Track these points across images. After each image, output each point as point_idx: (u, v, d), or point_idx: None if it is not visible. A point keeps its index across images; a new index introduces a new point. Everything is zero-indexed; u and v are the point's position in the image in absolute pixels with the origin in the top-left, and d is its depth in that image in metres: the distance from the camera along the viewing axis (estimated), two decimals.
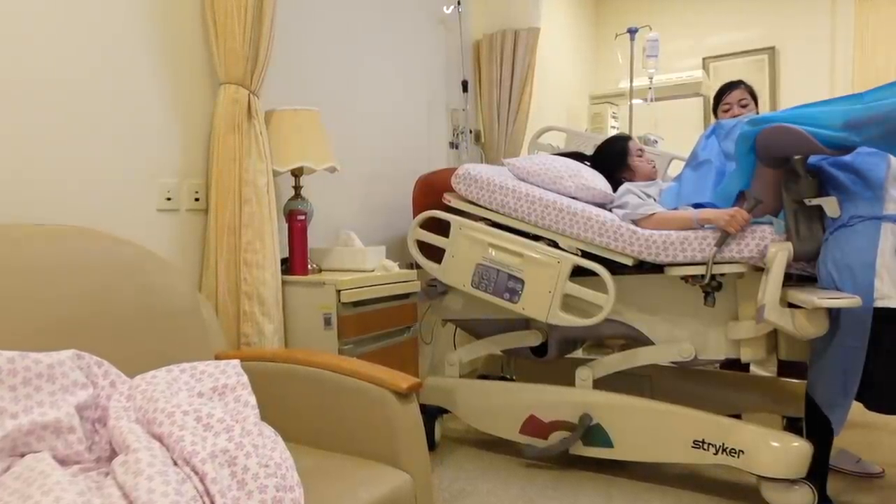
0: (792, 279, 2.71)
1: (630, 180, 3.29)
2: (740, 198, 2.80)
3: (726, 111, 3.41)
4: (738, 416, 2.99)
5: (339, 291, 2.68)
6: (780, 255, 2.52)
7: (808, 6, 6.02)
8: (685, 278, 2.84)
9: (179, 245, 2.70)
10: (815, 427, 2.61)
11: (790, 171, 2.58)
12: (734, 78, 3.57)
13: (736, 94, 3.40)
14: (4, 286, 1.82)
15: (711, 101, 3.58)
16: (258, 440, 1.65)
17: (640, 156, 3.39)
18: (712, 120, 3.56)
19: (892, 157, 2.53)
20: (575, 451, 3.05)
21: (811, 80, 5.96)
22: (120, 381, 1.83)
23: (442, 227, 3.20)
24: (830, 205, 2.50)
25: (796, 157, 2.53)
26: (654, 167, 3.40)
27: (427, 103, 4.39)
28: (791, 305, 2.50)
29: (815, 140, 2.38)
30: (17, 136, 2.18)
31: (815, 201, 2.53)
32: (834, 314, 2.45)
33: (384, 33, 3.97)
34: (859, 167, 2.56)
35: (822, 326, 2.45)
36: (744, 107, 3.38)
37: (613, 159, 3.39)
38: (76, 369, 1.72)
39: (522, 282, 2.99)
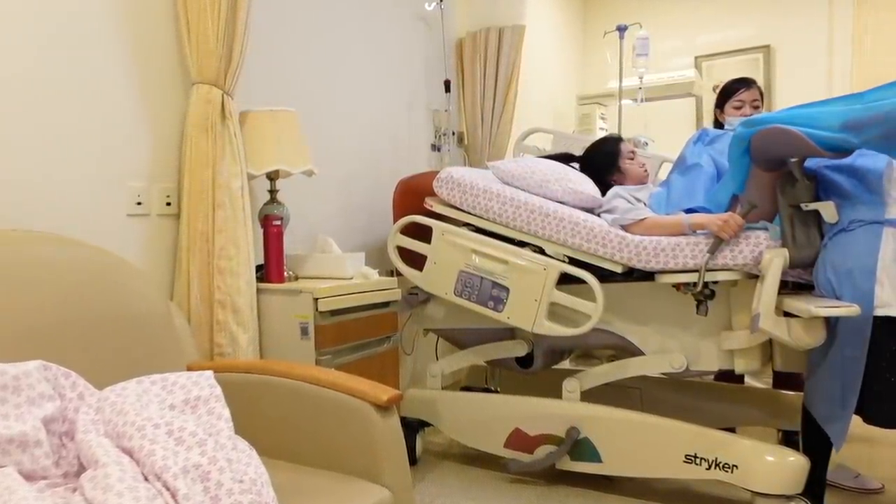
0: (788, 287, 2.73)
1: (620, 184, 3.30)
2: (734, 202, 2.82)
3: (738, 108, 3.40)
4: (731, 430, 3.01)
5: (316, 300, 2.69)
6: (775, 261, 2.53)
7: (804, 2, 6.05)
8: (677, 286, 2.87)
9: (150, 251, 2.71)
10: (813, 441, 2.64)
11: (786, 175, 2.59)
12: (727, 78, 3.59)
13: (750, 94, 3.39)
14: None
15: (716, 95, 3.57)
16: (232, 455, 1.66)
17: (632, 158, 3.39)
18: (712, 115, 3.57)
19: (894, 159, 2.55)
20: (562, 465, 3.07)
21: (808, 79, 5.96)
22: (88, 392, 1.83)
23: (423, 233, 3.22)
24: (828, 210, 2.51)
25: (792, 159, 2.54)
26: (645, 170, 3.42)
27: (408, 104, 4.41)
28: (787, 314, 2.52)
29: (811, 142, 2.39)
30: None
31: (812, 206, 2.54)
32: (832, 323, 2.47)
33: (363, 31, 3.99)
34: (860, 169, 2.57)
35: (819, 336, 2.47)
36: (756, 108, 3.39)
37: (603, 162, 3.40)
38: (43, 381, 1.73)
39: (507, 290, 3.00)
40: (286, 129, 2.93)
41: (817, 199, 2.57)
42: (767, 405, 3.35)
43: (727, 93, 3.48)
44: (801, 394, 2.72)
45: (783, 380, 3.58)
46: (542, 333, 2.98)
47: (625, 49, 5.61)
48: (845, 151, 2.45)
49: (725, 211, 2.82)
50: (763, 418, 3.34)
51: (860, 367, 2.39)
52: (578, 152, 3.61)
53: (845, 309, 2.28)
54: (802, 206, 2.56)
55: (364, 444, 1.99)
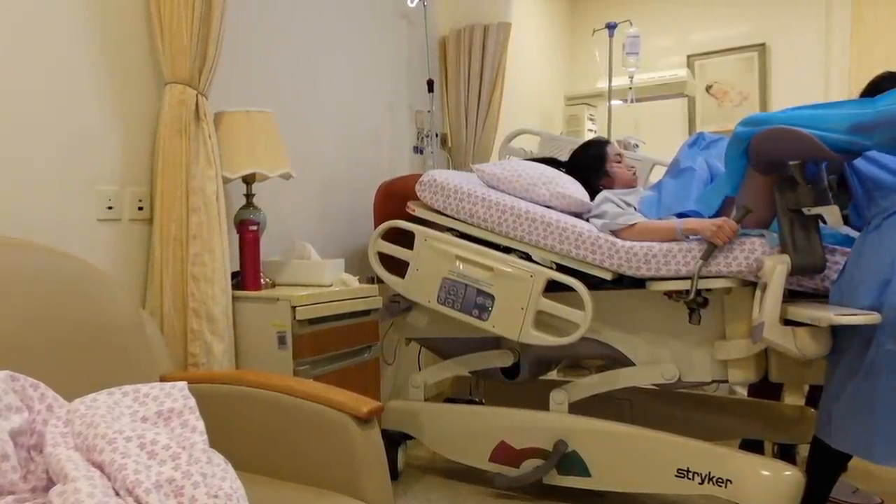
0: (784, 295, 2.75)
1: (609, 188, 3.32)
2: (726, 206, 2.84)
3: None
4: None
5: (294, 308, 2.71)
6: (779, 268, 2.51)
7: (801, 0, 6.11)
8: (668, 294, 2.88)
9: (122, 257, 2.71)
10: (824, 459, 2.59)
11: (785, 179, 2.58)
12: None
13: None
14: None
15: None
16: (207, 468, 1.66)
17: (620, 161, 3.42)
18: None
19: None
20: (549, 480, 3.08)
21: (804, 79, 5.97)
22: (57, 404, 1.83)
23: (406, 239, 3.23)
24: (832, 214, 2.49)
25: (792, 162, 2.51)
26: (634, 174, 3.44)
27: (389, 104, 4.43)
28: (788, 322, 2.53)
29: (822, 143, 2.36)
30: None
31: (815, 210, 2.53)
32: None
33: (343, 29, 4.01)
34: None
35: (826, 345, 2.47)
36: None
37: (590, 165, 3.43)
38: (10, 392, 1.72)
39: (492, 297, 3.02)
40: (263, 130, 2.94)
41: (817, 203, 2.57)
42: (762, 418, 3.36)
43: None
44: (798, 405, 2.71)
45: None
46: (528, 343, 2.99)
47: (614, 47, 5.63)
48: (855, 153, 2.45)
49: (715, 213, 2.84)
50: (758, 431, 3.35)
51: None
52: (565, 155, 3.63)
53: (865, 317, 2.26)
54: (805, 210, 2.55)
55: (344, 458, 2.00)
